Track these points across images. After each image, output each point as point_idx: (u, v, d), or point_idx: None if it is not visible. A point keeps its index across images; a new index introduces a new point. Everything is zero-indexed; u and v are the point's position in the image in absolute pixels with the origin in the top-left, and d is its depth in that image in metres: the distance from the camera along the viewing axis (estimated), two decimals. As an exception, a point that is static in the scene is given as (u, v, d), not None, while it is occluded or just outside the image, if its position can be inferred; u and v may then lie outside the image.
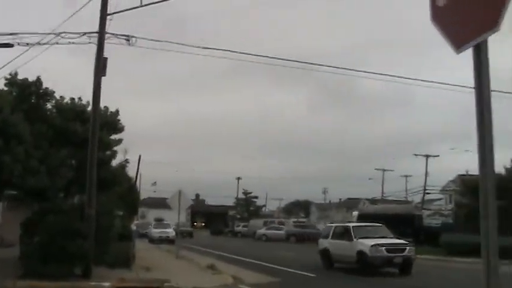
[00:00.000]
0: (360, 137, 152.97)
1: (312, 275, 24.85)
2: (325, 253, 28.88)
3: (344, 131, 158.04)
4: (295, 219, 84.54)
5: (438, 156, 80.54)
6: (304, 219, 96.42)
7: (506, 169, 51.75)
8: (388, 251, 25.10)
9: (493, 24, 3.38)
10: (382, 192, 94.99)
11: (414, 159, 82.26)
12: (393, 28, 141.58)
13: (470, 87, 3.61)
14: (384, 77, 30.32)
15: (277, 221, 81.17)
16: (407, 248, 25.69)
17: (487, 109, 3.45)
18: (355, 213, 59.61)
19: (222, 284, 19.64)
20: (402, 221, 50.43)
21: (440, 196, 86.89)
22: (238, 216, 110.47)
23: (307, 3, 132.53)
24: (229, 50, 24.58)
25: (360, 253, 25.39)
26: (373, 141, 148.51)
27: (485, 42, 3.50)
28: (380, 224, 29.59)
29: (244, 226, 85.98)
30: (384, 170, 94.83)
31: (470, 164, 59.44)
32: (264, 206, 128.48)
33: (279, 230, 69.61)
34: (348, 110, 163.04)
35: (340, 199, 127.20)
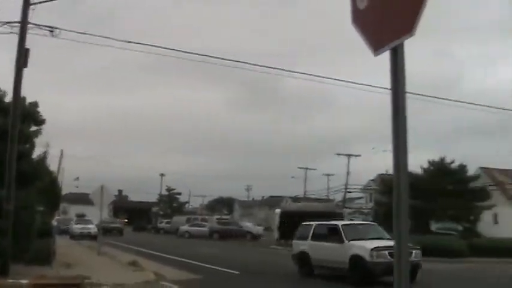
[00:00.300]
0: (285, 136, 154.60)
1: (235, 272, 24.87)
2: (302, 257, 24.20)
3: (269, 130, 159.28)
4: (219, 216, 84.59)
5: (360, 155, 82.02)
6: (227, 217, 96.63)
7: (423, 169, 53.23)
8: (391, 255, 19.82)
9: (409, 29, 3.50)
10: (305, 191, 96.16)
11: (337, 159, 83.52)
12: (321, 29, 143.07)
13: (389, 89, 3.70)
14: (309, 77, 30.52)
15: (200, 218, 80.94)
16: (414, 251, 20.72)
17: (402, 110, 3.56)
18: (278, 210, 60.06)
19: (144, 281, 19.48)
20: (323, 219, 51.13)
21: (361, 195, 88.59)
22: (161, 212, 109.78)
23: (240, 3, 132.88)
24: (156, 46, 24.27)
25: (355, 258, 20.92)
26: (297, 140, 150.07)
27: (401, 45, 3.62)
28: (373, 223, 26.41)
29: (167, 223, 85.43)
30: (307, 169, 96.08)
31: (390, 164, 60.64)
32: (187, 202, 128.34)
33: (202, 226, 69.46)
34: (274, 109, 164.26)
35: (263, 197, 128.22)
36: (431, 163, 53.10)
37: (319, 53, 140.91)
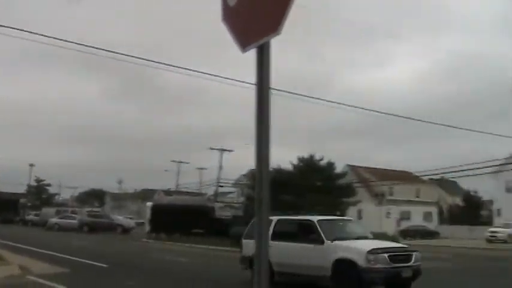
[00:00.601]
0: (159, 129, 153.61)
1: (104, 265, 24.52)
2: None
3: (143, 122, 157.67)
4: (89, 209, 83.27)
5: (232, 151, 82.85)
6: (98, 209, 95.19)
7: (294, 166, 54.54)
8: (393, 259, 16.28)
9: (275, 28, 3.59)
10: (177, 184, 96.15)
11: (210, 153, 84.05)
12: (200, 23, 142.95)
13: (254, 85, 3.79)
14: (184, 70, 30.59)
15: (71, 210, 79.43)
16: (414, 254, 17.12)
17: (265, 106, 3.65)
18: (149, 203, 59.77)
19: (8, 275, 18.82)
20: (195, 212, 51.56)
21: (233, 189, 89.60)
22: (30, 204, 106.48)
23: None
24: (25, 31, 23.42)
25: (343, 264, 16.46)
26: (172, 133, 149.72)
27: (267, 43, 3.71)
28: (350, 218, 23.26)
29: (35, 215, 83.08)
30: (180, 162, 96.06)
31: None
32: (57, 194, 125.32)
33: (72, 219, 68.02)
34: (148, 102, 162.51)
35: (135, 189, 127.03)
36: (301, 160, 54.48)
37: (198, 48, 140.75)
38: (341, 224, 20.34)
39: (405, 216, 77.96)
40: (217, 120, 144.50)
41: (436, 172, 64.48)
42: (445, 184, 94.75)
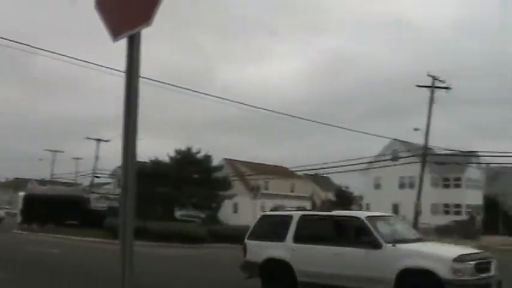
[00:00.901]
0: (32, 116, 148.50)
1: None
2: (274, 269, 14.93)
3: (15, 108, 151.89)
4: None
5: (109, 141, 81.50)
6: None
7: (170, 158, 54.46)
8: (481, 269, 12.60)
9: (146, 19, 3.63)
10: (52, 174, 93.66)
11: (87, 143, 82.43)
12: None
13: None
14: (58, 56, 29.82)
15: None
16: (493, 261, 13.24)
17: (134, 97, 3.70)
18: (22, 193, 57.87)
19: None
20: (69, 203, 50.45)
21: (110, 180, 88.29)
22: None
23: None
24: None
25: (414, 275, 12.42)
26: (46, 121, 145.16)
27: (138, 34, 3.75)
28: (392, 214, 18.41)
29: None
30: (55, 151, 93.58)
31: (140, 151, 61.49)
32: None
33: None
34: (21, 87, 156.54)
35: (7, 178, 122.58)
36: (178, 152, 54.42)
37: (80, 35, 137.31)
38: (392, 222, 15.70)
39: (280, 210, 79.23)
40: (94, 109, 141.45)
41: (311, 168, 66.11)
42: (319, 180, 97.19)
